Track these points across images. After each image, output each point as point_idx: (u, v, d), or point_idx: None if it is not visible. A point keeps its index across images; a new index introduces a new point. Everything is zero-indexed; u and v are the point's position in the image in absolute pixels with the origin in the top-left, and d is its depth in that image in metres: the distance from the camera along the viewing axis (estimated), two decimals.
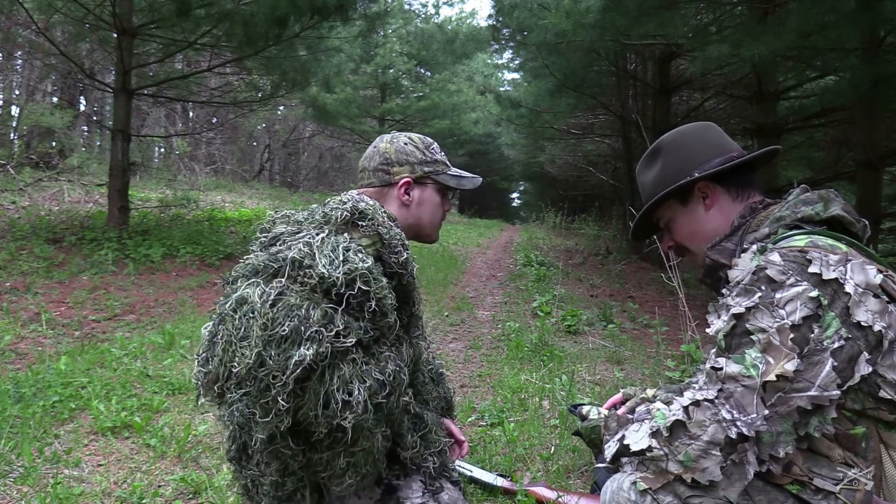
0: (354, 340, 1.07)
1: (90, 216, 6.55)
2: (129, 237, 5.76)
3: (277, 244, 1.16)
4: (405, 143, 1.44)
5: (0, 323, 3.40)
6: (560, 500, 1.65)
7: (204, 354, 1.08)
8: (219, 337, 1.05)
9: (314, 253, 1.09)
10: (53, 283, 4.43)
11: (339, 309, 1.07)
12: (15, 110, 11.95)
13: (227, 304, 1.06)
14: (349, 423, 1.05)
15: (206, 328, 1.09)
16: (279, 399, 1.00)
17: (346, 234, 1.18)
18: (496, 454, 2.05)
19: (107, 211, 6.26)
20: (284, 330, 1.01)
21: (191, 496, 1.73)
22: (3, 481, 1.74)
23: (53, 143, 10.77)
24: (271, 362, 1.00)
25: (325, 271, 1.06)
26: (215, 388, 1.08)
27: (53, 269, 4.70)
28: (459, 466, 1.79)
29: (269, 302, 1.03)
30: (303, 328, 1.02)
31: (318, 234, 1.14)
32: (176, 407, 2.38)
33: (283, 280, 1.07)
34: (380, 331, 1.17)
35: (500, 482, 1.77)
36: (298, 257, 1.08)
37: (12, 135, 11.21)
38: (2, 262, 4.61)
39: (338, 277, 1.07)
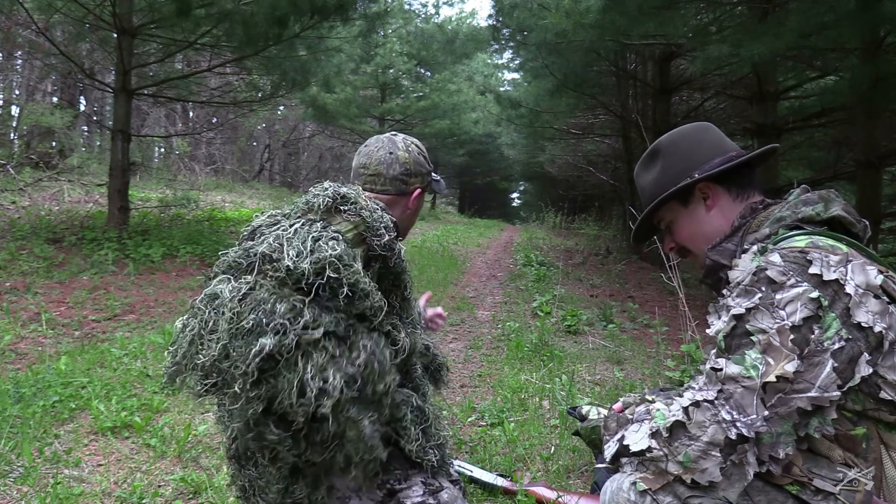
0: (322, 332, 1.07)
1: (90, 216, 6.55)
2: (129, 237, 5.76)
3: (255, 237, 1.18)
4: (418, 154, 1.52)
5: (0, 323, 3.40)
6: (560, 500, 1.65)
7: (174, 347, 1.09)
8: (188, 330, 1.06)
9: (283, 245, 1.11)
10: (53, 283, 4.43)
11: (308, 301, 1.07)
12: (15, 110, 11.95)
13: (200, 300, 1.08)
14: (327, 409, 1.05)
15: (179, 321, 1.11)
16: (243, 388, 1.02)
17: (322, 223, 1.19)
18: (496, 454, 2.05)
19: (107, 211, 6.26)
20: (248, 323, 1.02)
21: (191, 496, 1.73)
22: (3, 481, 1.74)
23: (53, 143, 10.76)
24: (234, 354, 1.01)
25: (290, 264, 1.08)
26: (177, 379, 1.09)
27: (53, 269, 4.70)
28: (459, 466, 1.79)
29: (239, 297, 1.05)
30: (265, 320, 1.03)
31: (291, 226, 1.16)
32: (176, 407, 2.38)
33: (254, 275, 1.09)
34: (362, 314, 1.16)
35: (500, 482, 1.77)
36: (268, 251, 1.10)
37: (12, 135, 11.21)
38: (2, 262, 4.61)
39: (305, 269, 1.08)
